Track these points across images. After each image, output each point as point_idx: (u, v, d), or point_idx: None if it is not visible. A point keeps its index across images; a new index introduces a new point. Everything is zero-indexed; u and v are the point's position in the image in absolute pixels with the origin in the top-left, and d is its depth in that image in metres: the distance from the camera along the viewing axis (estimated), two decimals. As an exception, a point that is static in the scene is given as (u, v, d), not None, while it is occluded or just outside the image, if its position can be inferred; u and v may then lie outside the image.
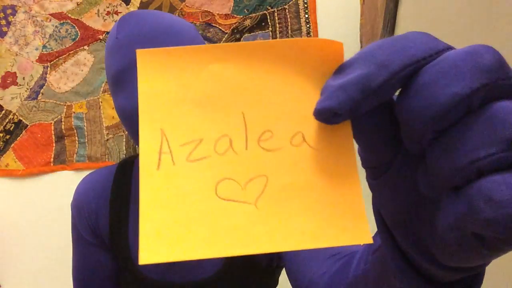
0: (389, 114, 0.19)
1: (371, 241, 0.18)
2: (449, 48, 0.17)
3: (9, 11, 1.84)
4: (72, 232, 0.73)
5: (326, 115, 0.18)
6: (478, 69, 0.15)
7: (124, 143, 1.80)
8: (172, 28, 0.57)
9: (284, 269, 0.65)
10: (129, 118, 0.57)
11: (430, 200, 0.19)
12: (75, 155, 1.82)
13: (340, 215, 0.18)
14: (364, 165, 0.21)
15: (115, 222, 0.68)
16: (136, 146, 1.78)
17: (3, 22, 1.84)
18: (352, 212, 0.18)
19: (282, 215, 0.18)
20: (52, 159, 1.83)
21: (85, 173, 1.66)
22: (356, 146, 0.20)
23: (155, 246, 0.17)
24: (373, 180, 0.21)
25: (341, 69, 0.19)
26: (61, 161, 1.83)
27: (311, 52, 0.19)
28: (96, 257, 0.71)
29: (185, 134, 0.18)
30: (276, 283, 0.75)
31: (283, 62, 0.19)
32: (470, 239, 0.16)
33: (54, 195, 1.84)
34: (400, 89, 0.18)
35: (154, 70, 0.19)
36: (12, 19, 1.84)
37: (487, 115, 0.15)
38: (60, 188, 1.83)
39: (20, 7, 1.83)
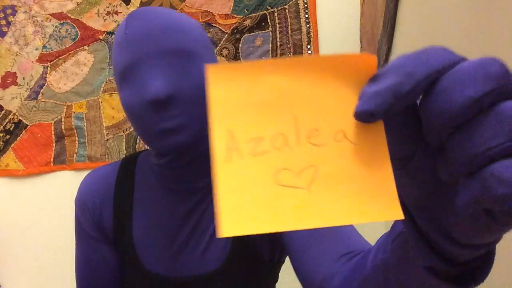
0: (412, 114, 0.23)
1: (402, 217, 0.22)
2: (464, 59, 0.21)
3: (9, 11, 1.84)
4: (75, 229, 0.73)
5: (365, 115, 0.22)
6: (488, 76, 0.19)
7: (124, 143, 1.80)
8: (179, 24, 0.58)
9: (285, 267, 0.66)
10: (133, 112, 0.58)
11: (447, 185, 0.23)
12: (75, 155, 1.83)
13: (377, 197, 0.22)
14: (391, 157, 0.25)
15: (119, 217, 0.69)
16: (137, 145, 1.79)
17: (3, 22, 1.85)
18: (386, 194, 0.22)
19: (330, 198, 0.22)
20: (52, 159, 1.84)
21: (85, 173, 1.67)
22: None
23: (233, 223, 0.22)
24: (397, 170, 0.25)
25: (375, 78, 0.23)
26: (61, 161, 1.83)
27: (349, 64, 0.24)
28: (100, 253, 0.71)
29: (248, 133, 0.23)
30: (276, 278, 0.76)
31: (326, 73, 0.24)
32: (483, 217, 0.20)
33: (54, 195, 1.84)
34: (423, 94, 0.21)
35: (222, 81, 0.23)
36: (12, 19, 1.84)
37: (496, 112, 0.19)
38: (60, 188, 1.83)
39: (20, 7, 1.83)
